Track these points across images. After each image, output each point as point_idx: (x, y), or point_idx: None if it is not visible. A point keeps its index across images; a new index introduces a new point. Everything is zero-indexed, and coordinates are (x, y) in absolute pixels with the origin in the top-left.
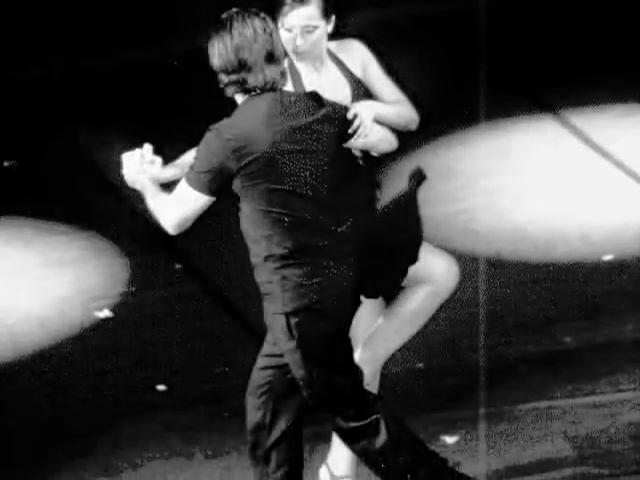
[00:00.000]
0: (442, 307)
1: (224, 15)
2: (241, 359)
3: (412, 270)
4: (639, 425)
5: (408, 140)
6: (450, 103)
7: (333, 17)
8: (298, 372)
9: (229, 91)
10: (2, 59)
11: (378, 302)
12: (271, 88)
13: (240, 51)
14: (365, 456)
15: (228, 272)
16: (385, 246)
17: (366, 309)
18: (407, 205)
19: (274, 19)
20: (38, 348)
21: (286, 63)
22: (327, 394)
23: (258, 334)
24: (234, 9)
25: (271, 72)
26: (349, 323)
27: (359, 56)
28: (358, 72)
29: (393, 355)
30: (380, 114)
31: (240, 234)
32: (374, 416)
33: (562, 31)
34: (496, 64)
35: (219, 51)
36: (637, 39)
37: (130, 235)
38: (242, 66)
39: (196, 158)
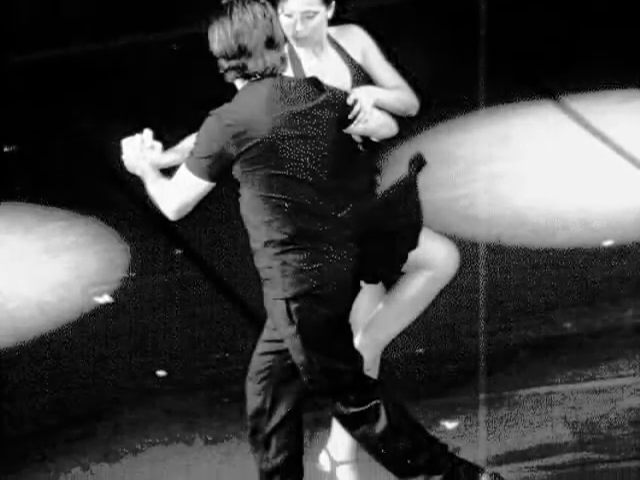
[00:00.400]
0: (442, 293)
1: (224, 1)
2: (241, 345)
3: (412, 256)
4: (639, 410)
5: (408, 126)
6: (450, 89)
7: (333, 2)
8: (298, 357)
9: (229, 76)
10: (2, 43)
11: (378, 288)
12: (271, 74)
13: (240, 36)
14: (365, 441)
15: (228, 258)
16: (385, 232)
17: (366, 295)
18: (407, 191)
19: (274, 5)
20: (38, 333)
21: (286, 49)
22: (327, 379)
23: (258, 320)
24: None
25: (271, 58)
26: (349, 308)
27: (359, 42)
28: (358, 58)
29: (393, 340)
30: (380, 99)
31: (240, 220)
32: (374, 401)
33: (562, 17)
34: (496, 50)
35: (219, 36)
36: (637, 25)
37: (130, 221)
38: (242, 51)
39: (196, 143)
